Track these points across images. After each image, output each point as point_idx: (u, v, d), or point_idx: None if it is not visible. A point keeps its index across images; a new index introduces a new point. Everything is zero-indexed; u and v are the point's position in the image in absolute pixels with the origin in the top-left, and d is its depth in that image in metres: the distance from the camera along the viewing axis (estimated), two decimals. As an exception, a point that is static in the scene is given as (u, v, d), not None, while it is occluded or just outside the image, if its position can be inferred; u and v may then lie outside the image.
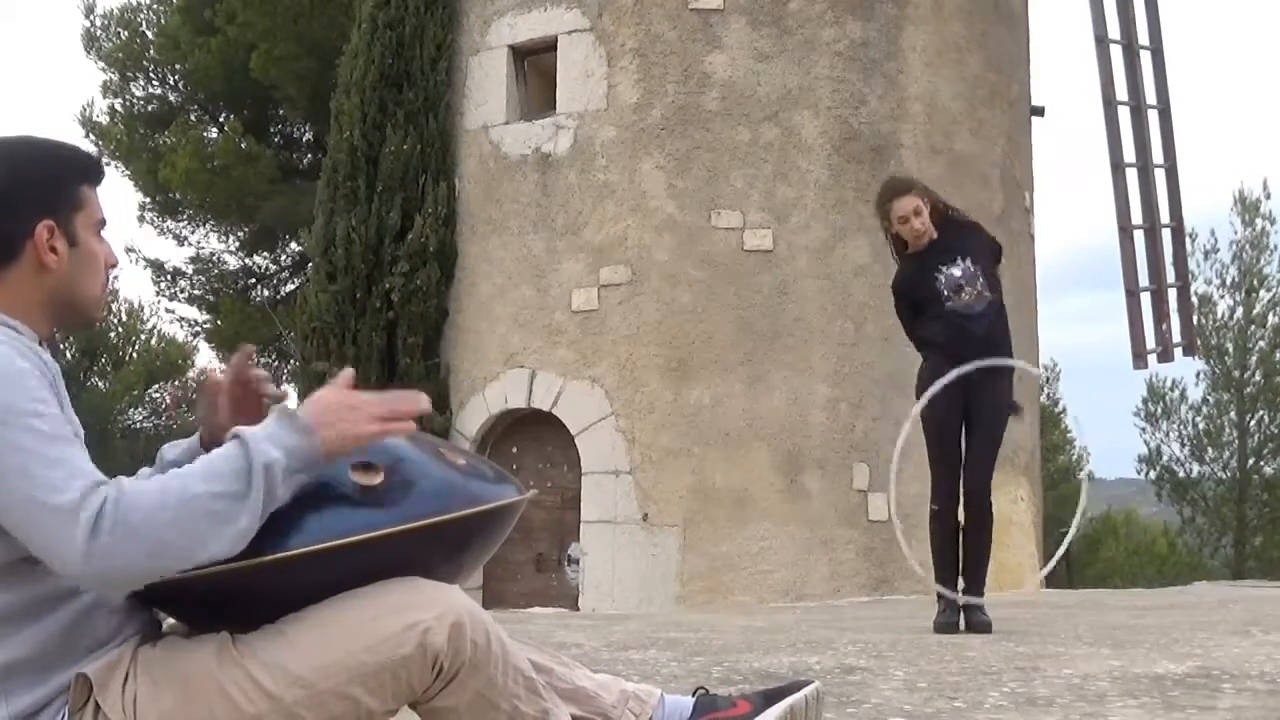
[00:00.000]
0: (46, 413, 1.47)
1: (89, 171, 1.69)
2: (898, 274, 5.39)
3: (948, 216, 5.29)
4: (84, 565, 1.40)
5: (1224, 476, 22.89)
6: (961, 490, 5.18)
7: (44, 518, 1.41)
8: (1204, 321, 21.49)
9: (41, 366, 1.52)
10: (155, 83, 17.35)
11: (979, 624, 5.04)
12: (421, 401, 1.62)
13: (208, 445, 1.77)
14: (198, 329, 19.63)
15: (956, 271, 5.10)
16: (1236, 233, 22.65)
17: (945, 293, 5.09)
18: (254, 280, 18.66)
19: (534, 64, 11.06)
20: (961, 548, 5.23)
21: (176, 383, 23.17)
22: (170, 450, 1.83)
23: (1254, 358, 22.51)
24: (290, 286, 18.14)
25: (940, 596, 5.25)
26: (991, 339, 5.10)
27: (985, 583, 5.22)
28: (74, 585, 1.53)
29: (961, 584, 5.25)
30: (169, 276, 18.40)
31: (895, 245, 5.34)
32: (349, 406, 1.57)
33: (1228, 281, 22.53)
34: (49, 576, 1.51)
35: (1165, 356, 11.42)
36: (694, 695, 1.97)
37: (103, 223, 1.70)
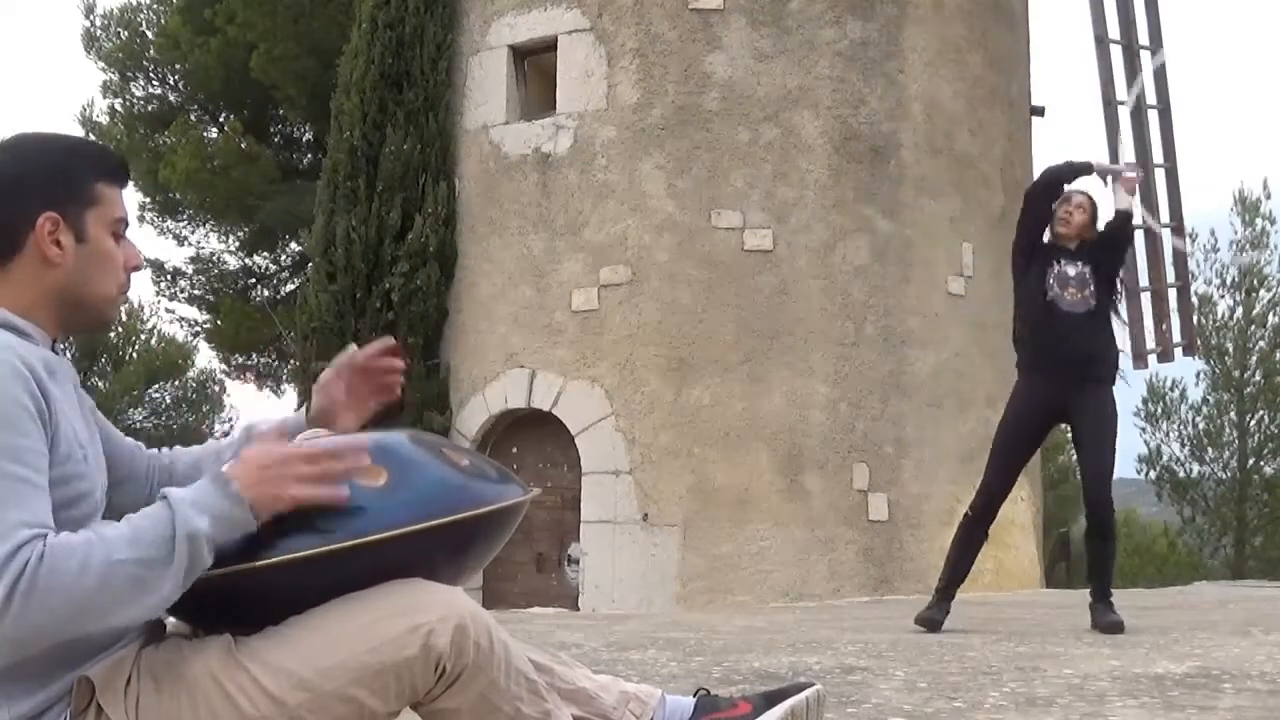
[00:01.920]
0: (15, 445, 1.42)
1: (107, 169, 1.65)
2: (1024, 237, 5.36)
3: (1097, 230, 5.32)
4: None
5: (1224, 476, 22.89)
6: (1084, 502, 5.21)
7: None
8: (1204, 321, 21.48)
9: (32, 388, 1.46)
10: (155, 83, 17.35)
11: (1110, 624, 4.96)
12: (361, 458, 1.58)
13: (311, 424, 1.82)
14: (198, 329, 19.64)
15: (1071, 271, 5.14)
16: (1236, 233, 22.66)
17: (1051, 282, 5.12)
18: (254, 280, 18.66)
19: (534, 64, 11.06)
20: (1086, 555, 5.25)
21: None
22: (263, 425, 1.83)
23: (1254, 358, 22.50)
24: (290, 286, 18.14)
25: (937, 591, 5.27)
26: (1084, 344, 5.11)
27: (1110, 589, 5.18)
28: None
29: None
30: (169, 276, 18.41)
31: (1039, 216, 5.29)
32: (280, 463, 1.53)
33: (1228, 281, 22.54)
34: None
35: (1165, 356, 11.42)
36: (695, 696, 1.97)
37: (123, 222, 1.66)
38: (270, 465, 1.53)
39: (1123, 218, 5.38)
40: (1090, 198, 5.32)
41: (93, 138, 16.71)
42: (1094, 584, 5.18)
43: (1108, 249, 5.29)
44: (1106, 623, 4.99)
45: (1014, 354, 5.40)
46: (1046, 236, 5.29)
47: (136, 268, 1.69)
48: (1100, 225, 5.30)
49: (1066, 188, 5.30)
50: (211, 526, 1.47)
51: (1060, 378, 5.11)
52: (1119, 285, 5.39)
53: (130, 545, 1.42)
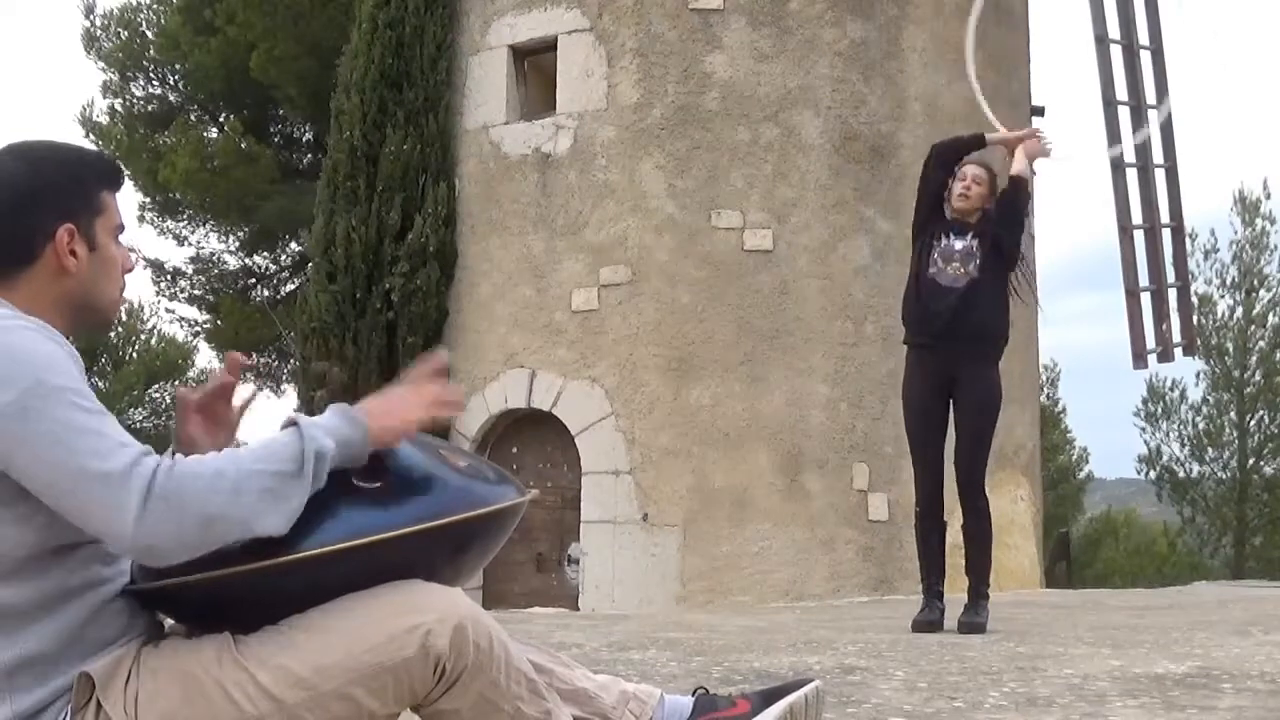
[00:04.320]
0: (84, 389, 1.50)
1: (110, 177, 1.72)
2: (920, 214, 5.30)
3: (997, 196, 5.24)
4: (135, 531, 1.41)
5: (1224, 476, 22.90)
6: (955, 475, 5.13)
7: (94, 486, 1.42)
8: (1204, 321, 21.49)
9: (72, 351, 1.55)
10: (155, 83, 17.35)
11: (970, 625, 4.98)
12: (441, 368, 1.76)
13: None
14: (198, 329, 19.64)
15: (959, 245, 5.06)
16: (1236, 233, 22.67)
17: (936, 256, 5.05)
18: (254, 280, 18.66)
19: (534, 64, 11.06)
20: (963, 546, 5.21)
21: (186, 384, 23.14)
22: None
23: (1254, 358, 22.51)
24: (290, 286, 18.14)
25: (925, 594, 5.26)
26: (960, 320, 5.01)
27: (987, 582, 5.19)
28: (84, 583, 1.54)
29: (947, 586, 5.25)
30: (169, 276, 18.41)
31: (932, 192, 5.24)
32: (399, 396, 1.67)
33: (1228, 281, 22.55)
34: (63, 573, 1.52)
35: (1165, 356, 11.41)
36: (694, 695, 1.97)
37: (121, 228, 1.72)
38: (390, 399, 1.66)
39: (1015, 184, 5.22)
40: (988, 169, 5.21)
41: (92, 139, 16.73)
42: (969, 576, 5.11)
43: (1003, 219, 5.14)
44: (970, 623, 4.96)
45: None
46: (949, 213, 5.16)
47: (130, 270, 1.75)
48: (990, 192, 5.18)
49: (964, 161, 5.19)
50: (338, 449, 1.55)
51: (941, 355, 5.04)
52: (1020, 258, 5.24)
53: (262, 459, 1.49)
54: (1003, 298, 5.18)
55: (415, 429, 1.65)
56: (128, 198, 18.50)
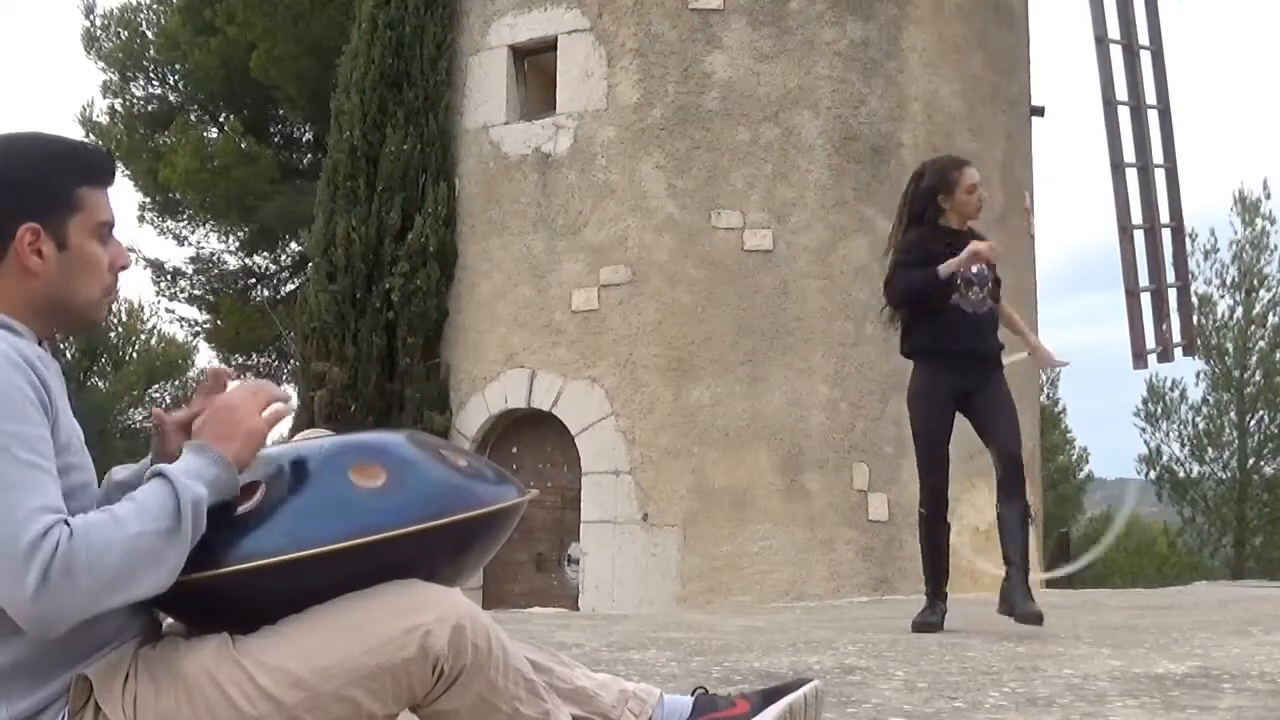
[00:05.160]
0: (25, 433, 1.44)
1: (90, 172, 1.64)
2: (912, 238, 5.15)
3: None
4: (31, 606, 1.39)
5: (1224, 476, 22.90)
6: (996, 460, 5.07)
7: None
8: (1204, 321, 21.50)
9: (31, 378, 1.49)
10: (155, 83, 17.36)
11: (1030, 614, 4.82)
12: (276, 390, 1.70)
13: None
14: (198, 329, 19.65)
15: (974, 268, 5.07)
16: (1236, 233, 22.68)
17: (959, 281, 5.03)
18: (254, 280, 18.66)
19: (534, 64, 11.06)
20: (999, 527, 5.10)
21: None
22: (119, 472, 1.80)
23: (1254, 358, 22.52)
24: (290, 286, 18.15)
25: (927, 595, 5.24)
26: (982, 343, 5.11)
27: (1029, 562, 5.10)
28: None
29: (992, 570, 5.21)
30: (169, 276, 18.42)
31: (920, 209, 5.16)
32: (227, 410, 1.62)
33: (1228, 281, 22.55)
34: None
35: (1165, 356, 11.41)
36: (693, 695, 1.97)
37: (108, 225, 1.65)
38: (223, 419, 1.61)
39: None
40: (974, 170, 5.18)
41: (92, 139, 16.72)
42: (1009, 561, 5.01)
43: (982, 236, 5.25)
44: (1027, 612, 4.84)
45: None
46: (955, 223, 5.14)
47: (124, 267, 1.69)
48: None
49: (953, 174, 5.13)
50: (210, 492, 1.52)
51: (961, 370, 5.07)
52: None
53: (142, 519, 1.46)
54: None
55: (265, 434, 1.62)
56: (128, 198, 18.56)
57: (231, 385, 1.72)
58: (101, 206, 1.65)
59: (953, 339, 5.07)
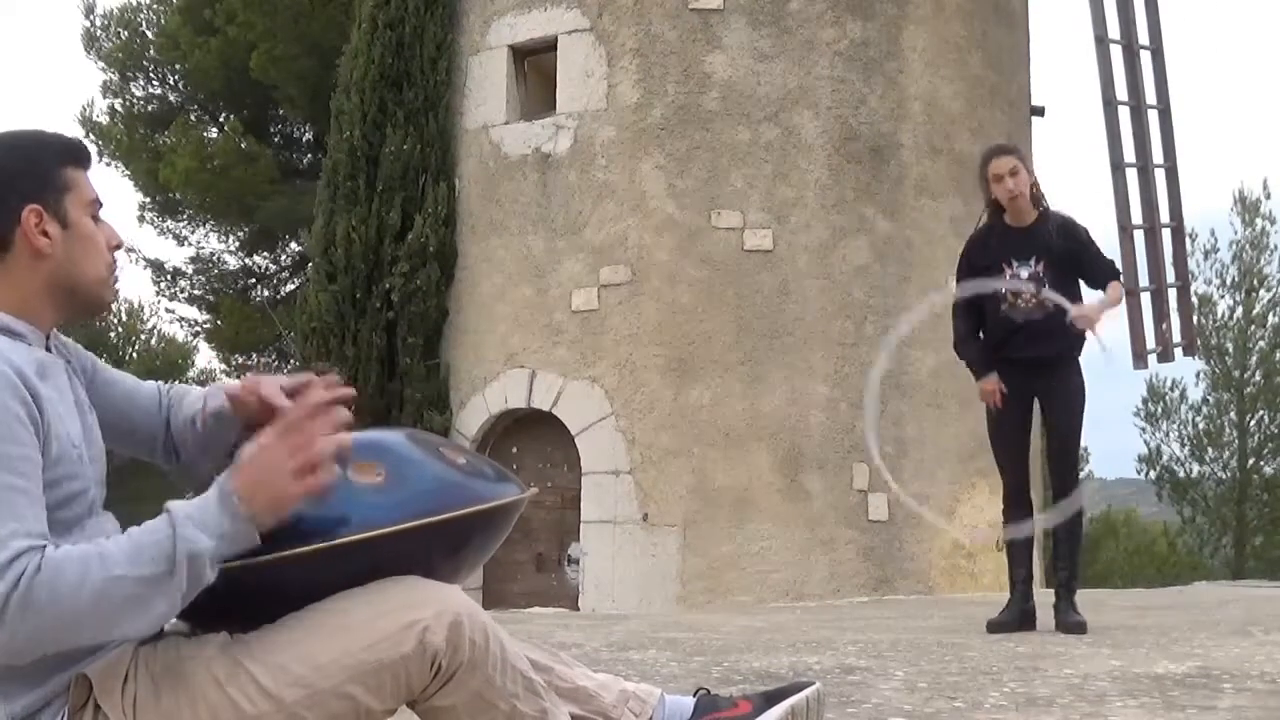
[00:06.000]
0: (8, 452, 1.42)
1: (71, 153, 1.67)
2: (976, 233, 5.25)
3: (1043, 205, 5.18)
4: None
5: (1224, 476, 22.90)
6: (1050, 466, 5.20)
7: None
8: (1204, 321, 21.50)
9: (22, 393, 1.46)
10: (155, 83, 17.35)
11: (1076, 624, 4.91)
12: (338, 436, 1.54)
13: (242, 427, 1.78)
14: (198, 329, 19.65)
15: (1024, 272, 5.04)
16: (1236, 233, 22.68)
17: (1005, 292, 5.03)
18: (254, 280, 18.66)
19: (534, 64, 11.06)
20: (1056, 536, 5.18)
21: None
22: (214, 400, 1.81)
23: (1254, 358, 22.52)
24: (290, 286, 18.14)
25: (1014, 590, 5.22)
26: (1044, 346, 5.03)
27: (1076, 579, 5.14)
28: None
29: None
30: (169, 276, 18.42)
31: (993, 209, 5.20)
32: (272, 468, 1.49)
33: (1228, 281, 22.55)
34: None
35: (1165, 356, 11.40)
36: (695, 695, 1.97)
37: (97, 203, 1.68)
38: (262, 464, 1.50)
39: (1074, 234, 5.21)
40: (1011, 156, 5.10)
41: (92, 139, 16.72)
42: (1060, 575, 5.08)
43: (1055, 231, 5.10)
44: (1069, 622, 4.92)
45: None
46: (1008, 219, 5.12)
47: (119, 246, 1.70)
48: (1032, 186, 5.10)
49: (990, 163, 5.11)
50: (215, 544, 1.46)
51: (1022, 374, 5.09)
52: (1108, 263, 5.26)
53: (130, 562, 1.41)
54: (1077, 300, 5.13)
55: (298, 500, 1.50)
56: (128, 198, 18.55)
57: (314, 394, 1.58)
58: (87, 185, 1.68)
59: (1010, 347, 5.10)
